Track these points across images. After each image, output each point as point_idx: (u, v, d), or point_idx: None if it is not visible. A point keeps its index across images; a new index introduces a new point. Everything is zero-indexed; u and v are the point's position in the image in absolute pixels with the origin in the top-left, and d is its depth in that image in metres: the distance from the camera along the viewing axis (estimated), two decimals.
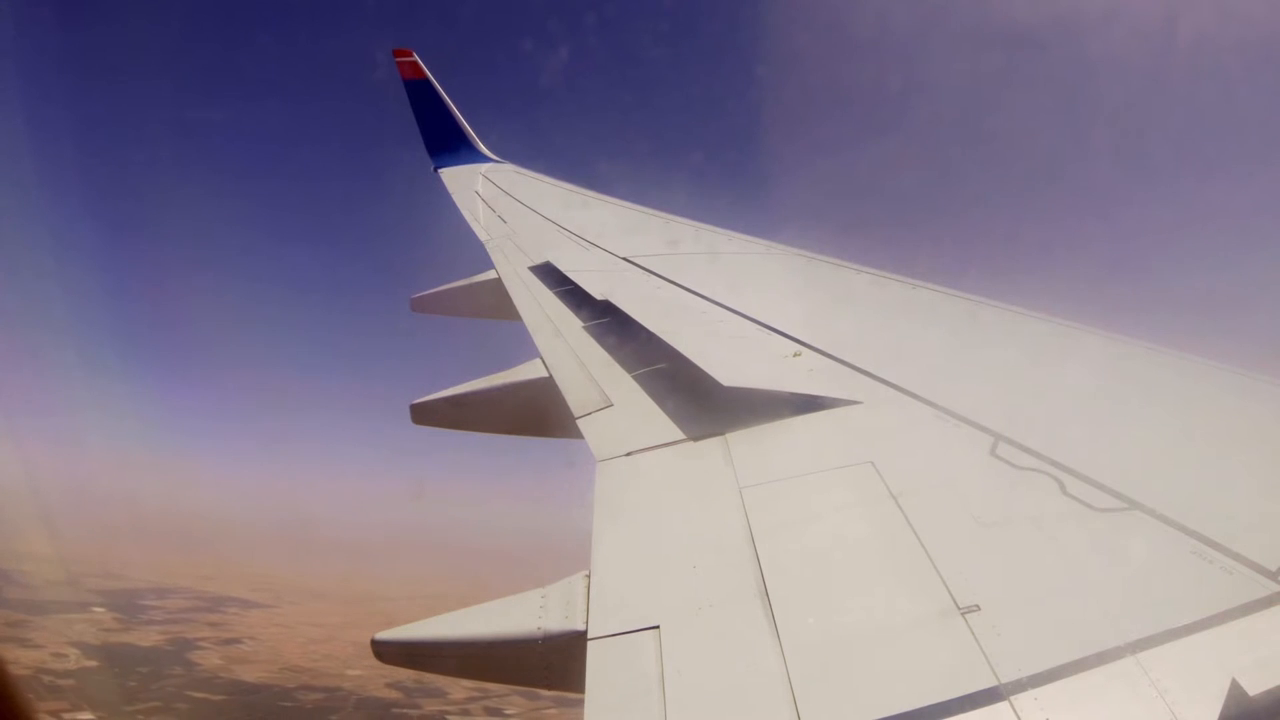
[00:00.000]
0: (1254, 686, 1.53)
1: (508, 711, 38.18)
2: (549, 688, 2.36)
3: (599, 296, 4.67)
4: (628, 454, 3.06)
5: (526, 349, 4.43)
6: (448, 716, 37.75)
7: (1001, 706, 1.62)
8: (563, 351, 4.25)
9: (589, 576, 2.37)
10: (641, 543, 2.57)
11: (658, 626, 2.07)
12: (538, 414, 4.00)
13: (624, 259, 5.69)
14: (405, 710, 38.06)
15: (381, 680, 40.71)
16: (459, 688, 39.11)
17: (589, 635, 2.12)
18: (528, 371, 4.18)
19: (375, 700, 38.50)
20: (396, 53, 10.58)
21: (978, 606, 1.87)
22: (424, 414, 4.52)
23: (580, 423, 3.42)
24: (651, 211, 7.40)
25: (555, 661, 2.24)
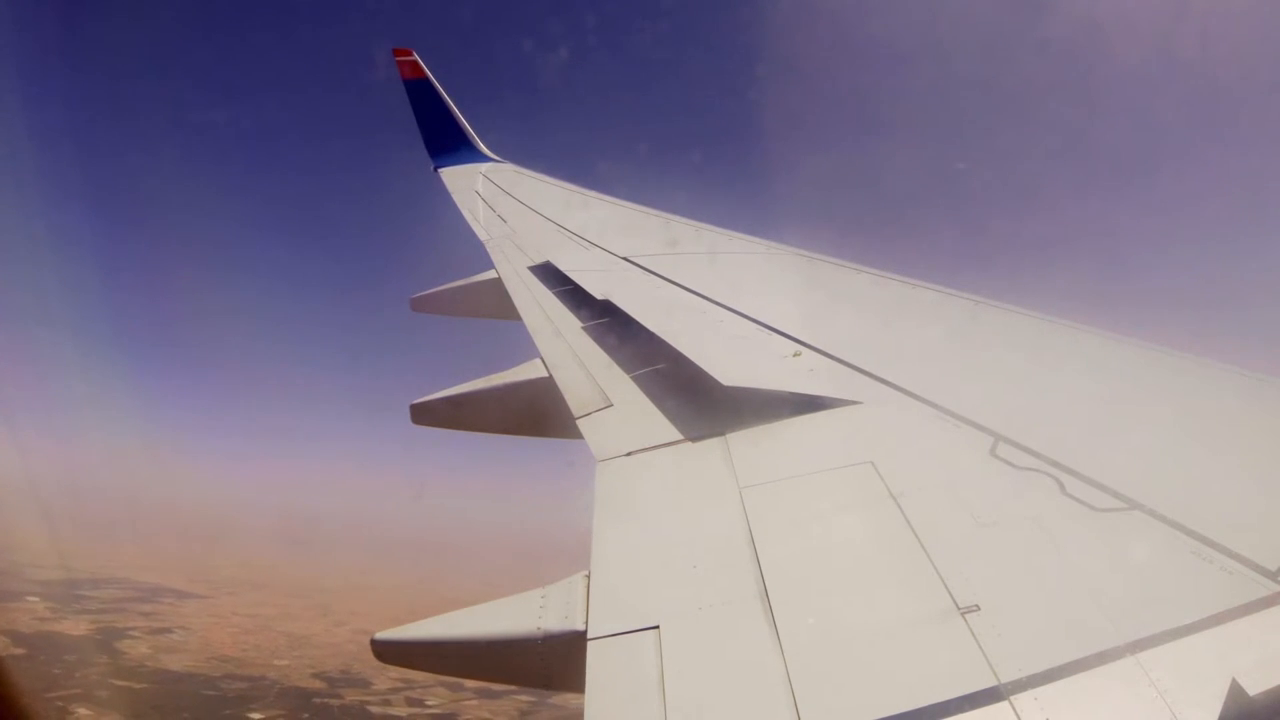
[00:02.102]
0: (1254, 686, 1.53)
1: (429, 702, 38.54)
2: (549, 688, 2.36)
3: (599, 296, 4.67)
4: (628, 454, 3.06)
5: (526, 349, 4.43)
6: (368, 706, 37.96)
7: (1001, 706, 1.62)
8: (563, 351, 4.25)
9: (589, 576, 2.37)
10: (641, 543, 2.57)
11: (658, 626, 2.07)
12: (538, 414, 4.00)
13: (624, 259, 5.69)
14: (327, 700, 38.42)
15: (307, 670, 41.45)
16: (384, 678, 39.81)
17: (589, 635, 2.12)
18: (528, 371, 4.18)
19: (298, 690, 38.93)
20: (396, 52, 10.59)
21: (978, 606, 1.87)
22: (424, 414, 4.52)
23: (580, 423, 3.42)
24: (651, 211, 7.40)
25: (555, 661, 2.24)
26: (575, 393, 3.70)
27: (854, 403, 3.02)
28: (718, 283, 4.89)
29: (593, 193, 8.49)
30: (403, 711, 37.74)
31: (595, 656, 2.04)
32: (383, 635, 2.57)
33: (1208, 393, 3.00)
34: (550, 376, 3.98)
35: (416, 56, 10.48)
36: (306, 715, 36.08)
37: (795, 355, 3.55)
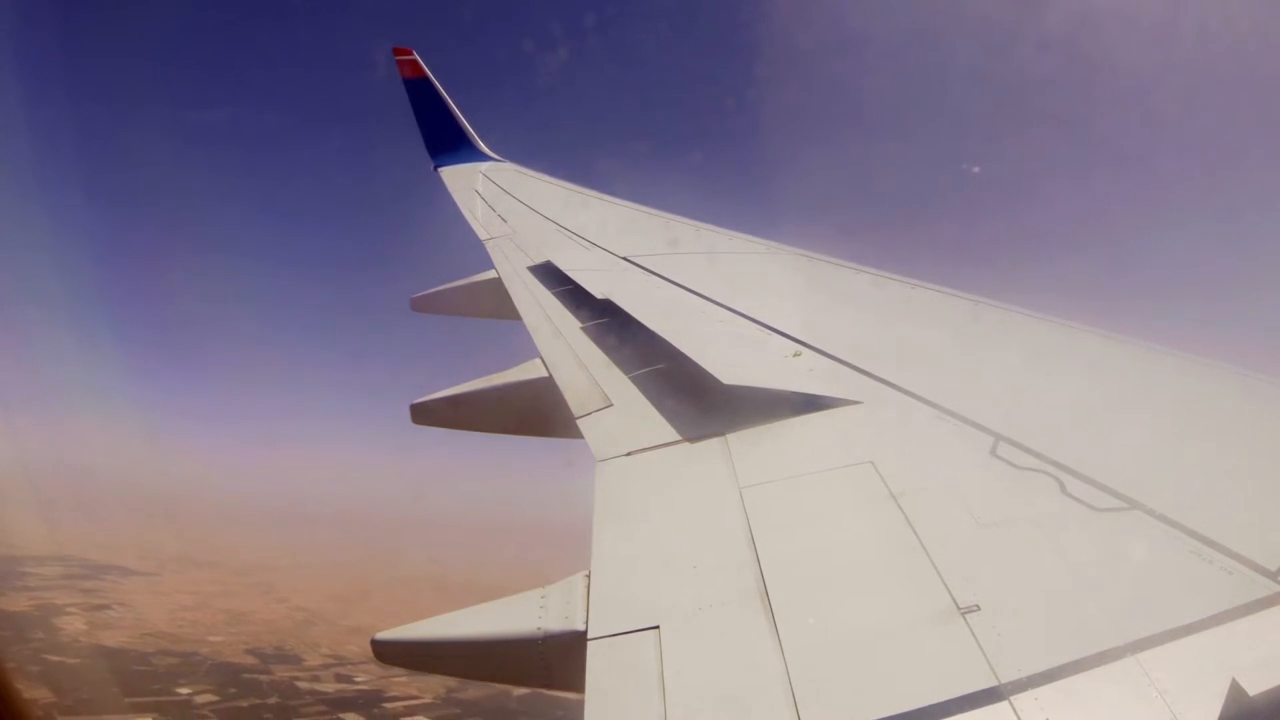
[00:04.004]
0: (1254, 686, 1.53)
1: (358, 679, 38.95)
2: (549, 688, 2.36)
3: (599, 296, 4.66)
4: (628, 454, 3.06)
5: (526, 349, 4.43)
6: (297, 682, 38.29)
7: (1001, 706, 1.62)
8: (563, 351, 4.25)
9: (589, 576, 2.37)
10: (641, 543, 2.57)
11: (658, 626, 2.07)
12: (538, 414, 4.00)
13: (624, 258, 5.68)
14: (256, 675, 38.66)
15: (240, 646, 41.71)
16: (315, 654, 40.33)
17: (589, 635, 2.12)
18: (528, 371, 4.18)
19: (229, 665, 39.21)
20: (396, 51, 10.57)
21: (978, 606, 1.87)
22: (424, 414, 4.52)
23: (580, 423, 3.42)
24: (651, 211, 7.39)
25: (555, 661, 2.24)
26: (575, 392, 3.70)
27: (854, 403, 3.02)
28: (718, 282, 4.88)
29: (593, 192, 8.47)
30: (330, 687, 38.17)
31: (595, 657, 2.04)
32: (383, 635, 2.57)
33: (1208, 393, 3.00)
34: (550, 376, 3.98)
35: (416, 56, 10.47)
36: (234, 690, 36.11)
37: (795, 355, 3.55)
